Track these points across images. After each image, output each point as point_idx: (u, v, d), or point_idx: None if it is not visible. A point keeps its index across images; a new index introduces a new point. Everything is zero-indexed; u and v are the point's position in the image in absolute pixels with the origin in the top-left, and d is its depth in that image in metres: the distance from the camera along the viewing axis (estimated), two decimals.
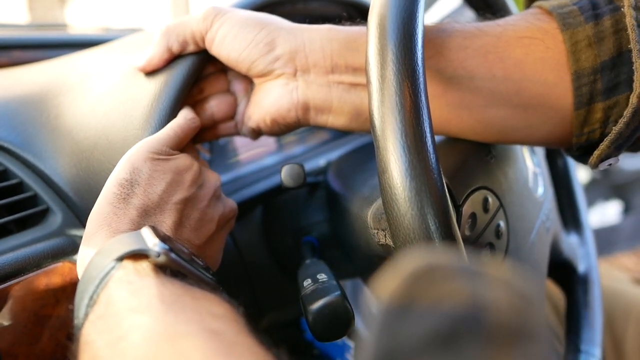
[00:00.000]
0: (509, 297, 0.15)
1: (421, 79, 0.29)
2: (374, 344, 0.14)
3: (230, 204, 0.43)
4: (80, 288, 0.29)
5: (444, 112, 0.38)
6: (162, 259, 0.28)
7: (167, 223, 0.35)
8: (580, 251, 0.57)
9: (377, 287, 0.15)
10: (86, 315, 0.27)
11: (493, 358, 0.13)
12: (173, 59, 0.43)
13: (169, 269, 0.29)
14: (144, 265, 0.28)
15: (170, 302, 0.25)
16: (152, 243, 0.29)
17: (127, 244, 0.29)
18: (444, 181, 0.29)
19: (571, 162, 0.59)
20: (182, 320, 0.24)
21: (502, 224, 0.38)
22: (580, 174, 1.60)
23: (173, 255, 0.29)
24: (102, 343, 0.25)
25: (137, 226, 0.33)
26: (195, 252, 0.36)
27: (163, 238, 0.30)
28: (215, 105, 0.44)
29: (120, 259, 0.28)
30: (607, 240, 1.66)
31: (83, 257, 0.32)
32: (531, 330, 0.14)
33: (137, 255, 0.29)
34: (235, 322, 0.26)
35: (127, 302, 0.26)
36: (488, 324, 0.14)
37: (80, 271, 0.32)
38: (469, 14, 1.21)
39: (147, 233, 0.30)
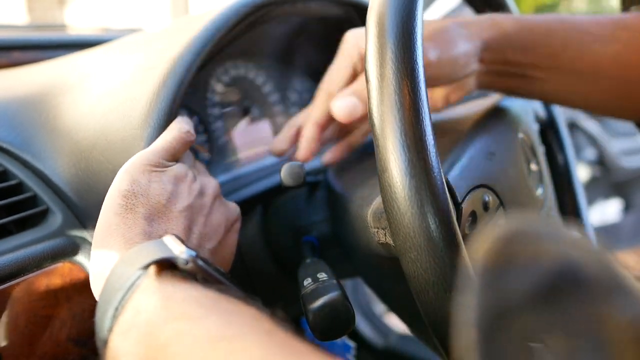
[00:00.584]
0: (596, 255, 0.16)
1: (420, 78, 0.29)
2: (478, 302, 0.15)
3: (232, 206, 0.43)
4: (102, 299, 0.28)
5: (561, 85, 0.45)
6: (190, 266, 0.28)
7: (176, 231, 0.34)
8: None
9: (474, 250, 0.16)
10: (111, 327, 0.26)
11: (595, 309, 0.14)
12: (171, 60, 0.43)
13: (197, 276, 0.29)
14: (172, 273, 0.28)
15: (209, 305, 0.25)
16: (179, 250, 0.28)
17: (152, 252, 0.28)
18: (443, 179, 0.29)
19: (572, 161, 0.59)
20: (228, 322, 0.24)
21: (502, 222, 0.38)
22: (581, 172, 1.60)
23: (200, 262, 0.29)
24: (140, 353, 0.24)
25: (149, 236, 0.33)
26: (209, 258, 0.36)
27: (185, 244, 0.30)
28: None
29: (146, 267, 0.28)
30: (608, 238, 1.66)
31: (100, 269, 0.32)
32: (622, 283, 0.15)
33: (163, 263, 0.28)
34: (278, 324, 0.26)
35: (159, 311, 0.25)
36: (585, 278, 0.15)
37: (97, 284, 0.32)
38: (468, 12, 1.21)
39: (170, 241, 0.29)
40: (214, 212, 0.39)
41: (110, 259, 0.31)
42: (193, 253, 0.28)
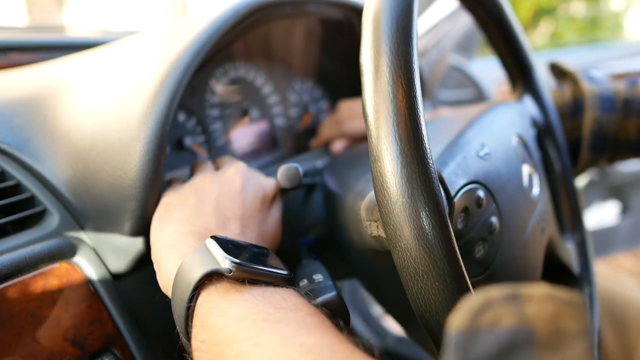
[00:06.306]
0: (547, 308, 0.19)
1: (414, 70, 0.29)
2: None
3: (268, 182, 0.45)
4: (173, 309, 0.33)
5: None
6: (233, 274, 0.31)
7: (213, 225, 0.38)
8: (577, 256, 0.57)
9: (450, 322, 0.20)
10: (188, 333, 0.31)
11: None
12: (169, 61, 0.43)
13: (245, 280, 0.32)
14: (222, 284, 0.32)
15: (261, 320, 0.28)
16: (221, 258, 0.32)
17: (200, 265, 0.32)
18: (435, 170, 0.29)
19: (569, 166, 0.59)
20: (278, 342, 0.27)
21: (495, 220, 0.38)
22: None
23: (241, 264, 0.32)
24: None
25: (189, 234, 0.37)
26: (255, 238, 0.40)
27: (226, 246, 0.33)
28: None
29: (199, 282, 0.31)
30: (605, 241, 1.66)
31: (164, 277, 0.36)
32: (571, 333, 0.18)
33: (212, 274, 0.31)
34: (326, 330, 0.29)
35: (219, 333, 0.29)
36: (535, 335, 0.18)
37: (168, 289, 0.36)
38: (465, 17, 1.21)
39: (213, 246, 0.33)
40: (246, 193, 0.42)
41: (166, 267, 0.36)
42: (235, 260, 0.32)
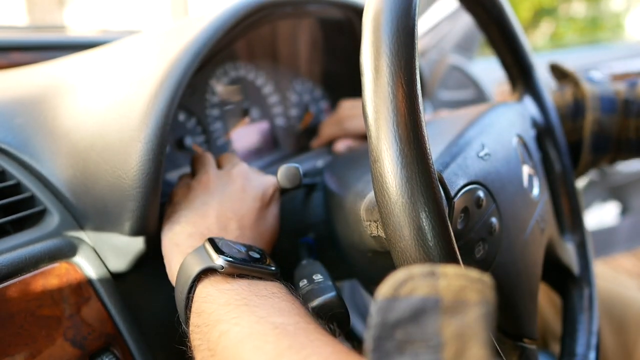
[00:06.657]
0: (456, 283, 0.23)
1: (414, 71, 0.29)
2: (374, 322, 0.22)
3: (267, 179, 0.48)
4: (176, 301, 0.38)
5: None
6: (226, 270, 0.36)
7: (214, 227, 0.42)
8: (577, 256, 0.57)
9: (378, 290, 0.24)
10: (187, 321, 0.36)
11: (443, 322, 0.21)
12: (169, 61, 0.43)
13: (235, 275, 0.37)
14: (215, 277, 0.36)
15: (243, 304, 0.33)
16: (215, 257, 0.36)
17: (197, 263, 0.37)
18: (435, 171, 0.29)
19: (569, 166, 0.59)
20: (254, 321, 0.32)
21: (495, 220, 0.38)
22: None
23: (234, 262, 0.37)
24: (204, 344, 0.33)
25: (193, 236, 0.41)
26: (253, 238, 0.44)
27: (219, 249, 0.37)
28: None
29: (196, 277, 0.36)
30: (605, 241, 1.66)
31: (170, 276, 0.41)
32: (471, 302, 0.22)
33: (207, 270, 0.36)
34: (295, 313, 0.33)
35: (210, 316, 0.34)
36: (442, 302, 0.22)
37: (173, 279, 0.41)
38: (466, 17, 1.21)
39: (209, 248, 0.37)
40: (247, 194, 0.45)
41: (173, 263, 0.40)
42: (228, 258, 0.36)
